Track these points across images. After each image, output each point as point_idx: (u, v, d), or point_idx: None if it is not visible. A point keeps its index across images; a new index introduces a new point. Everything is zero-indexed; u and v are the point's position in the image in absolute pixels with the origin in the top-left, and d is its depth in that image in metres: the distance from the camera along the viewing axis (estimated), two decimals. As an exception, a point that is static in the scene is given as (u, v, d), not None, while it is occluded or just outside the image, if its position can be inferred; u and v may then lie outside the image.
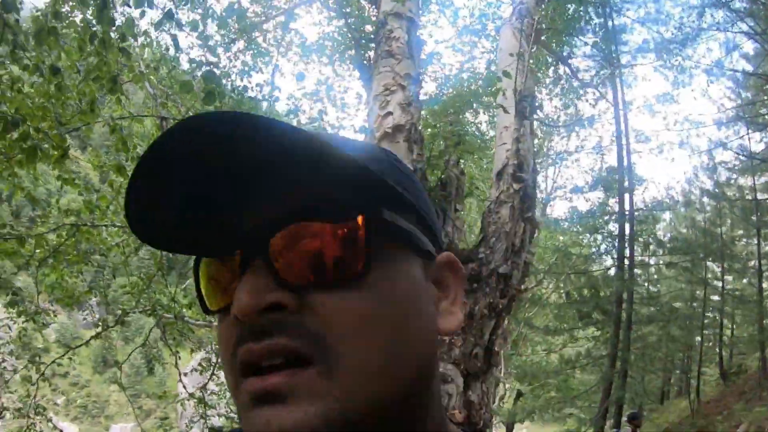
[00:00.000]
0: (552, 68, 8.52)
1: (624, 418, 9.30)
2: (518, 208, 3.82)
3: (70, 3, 2.95)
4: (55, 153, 3.22)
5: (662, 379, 19.79)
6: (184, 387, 8.21)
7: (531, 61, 5.49)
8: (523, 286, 3.69)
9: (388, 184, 0.53)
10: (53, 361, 7.51)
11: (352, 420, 0.49)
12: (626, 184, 12.79)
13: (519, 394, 14.87)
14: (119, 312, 7.31)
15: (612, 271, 13.60)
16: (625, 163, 13.12)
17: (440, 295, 0.60)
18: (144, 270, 8.32)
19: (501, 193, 3.94)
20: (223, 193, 0.53)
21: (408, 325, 0.54)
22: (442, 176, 4.70)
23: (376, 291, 0.52)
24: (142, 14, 3.18)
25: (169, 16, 2.91)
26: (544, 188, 17.50)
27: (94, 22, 2.74)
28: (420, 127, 4.48)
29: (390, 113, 4.28)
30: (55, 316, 8.33)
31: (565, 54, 7.41)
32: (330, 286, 0.51)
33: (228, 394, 8.37)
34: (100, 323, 7.39)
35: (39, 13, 2.75)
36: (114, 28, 2.70)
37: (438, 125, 5.65)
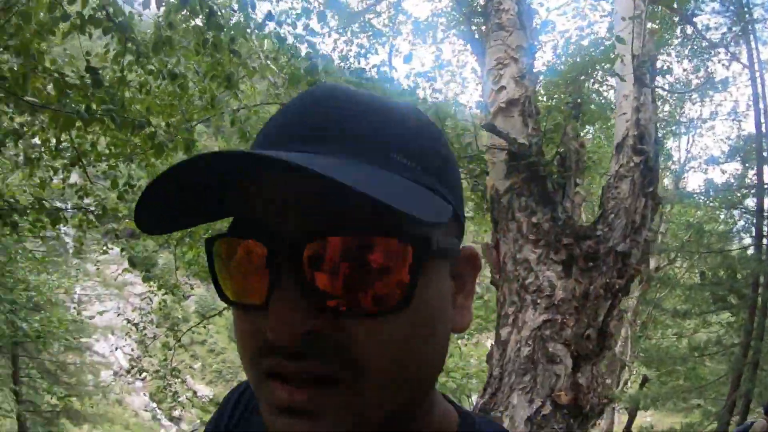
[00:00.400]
0: (679, 28, 7.88)
1: (760, 409, 8.54)
2: (639, 182, 3.58)
3: (182, 14, 3.11)
4: (182, 143, 3.48)
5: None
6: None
7: (650, 23, 5.11)
8: (643, 266, 3.47)
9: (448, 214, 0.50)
10: (190, 328, 8.14)
11: (377, 429, 0.51)
12: (765, 153, 11.64)
13: (645, 380, 14.19)
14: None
15: (750, 251, 12.50)
16: (764, 129, 11.92)
17: (457, 289, 0.58)
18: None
19: (620, 167, 3.72)
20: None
21: (436, 338, 0.54)
22: (560, 150, 4.52)
23: (413, 316, 0.50)
24: (252, 7, 3.33)
25: (269, 17, 3.05)
26: (677, 159, 16.31)
27: (205, 28, 2.91)
28: (534, 100, 4.34)
29: (503, 87, 4.17)
30: (192, 289, 8.97)
31: (689, 12, 6.78)
32: (368, 313, 0.49)
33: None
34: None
35: (158, 20, 2.94)
36: (223, 33, 2.85)
37: (555, 96, 5.43)
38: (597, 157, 7.45)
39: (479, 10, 5.47)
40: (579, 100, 4.86)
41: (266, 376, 0.50)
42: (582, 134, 5.46)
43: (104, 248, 7.88)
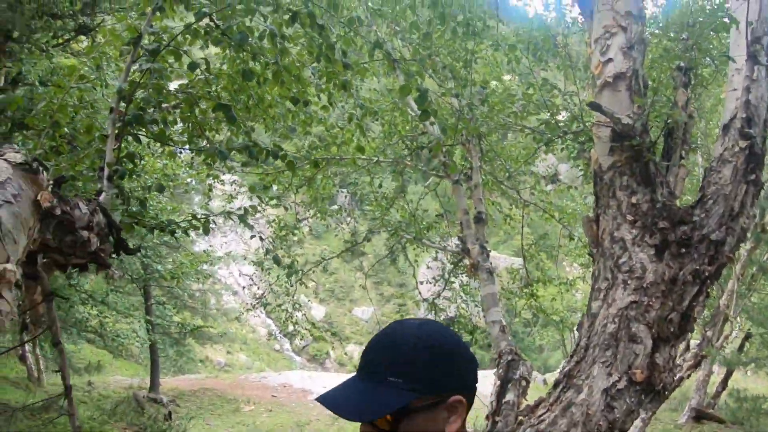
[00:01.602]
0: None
1: None
2: (742, 168, 3.58)
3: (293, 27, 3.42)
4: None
5: None
6: (419, 293, 9.42)
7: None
8: (735, 253, 3.54)
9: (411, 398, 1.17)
10: (311, 269, 8.83)
11: None
12: None
13: (747, 336, 13.67)
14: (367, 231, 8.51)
15: None
16: None
17: (449, 414, 1.19)
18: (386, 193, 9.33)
19: (725, 150, 3.70)
20: None
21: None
22: (669, 121, 4.49)
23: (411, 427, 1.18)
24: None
25: (378, 45, 3.33)
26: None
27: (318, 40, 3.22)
28: (643, 72, 4.28)
29: (610, 60, 4.09)
30: (307, 212, 9.69)
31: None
32: None
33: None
34: (352, 243, 8.67)
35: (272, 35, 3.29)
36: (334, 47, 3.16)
37: (665, 63, 5.27)
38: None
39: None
40: (689, 66, 4.71)
41: None
42: (693, 101, 5.31)
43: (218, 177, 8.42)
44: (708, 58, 5.34)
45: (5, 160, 1.85)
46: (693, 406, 14.10)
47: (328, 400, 1.17)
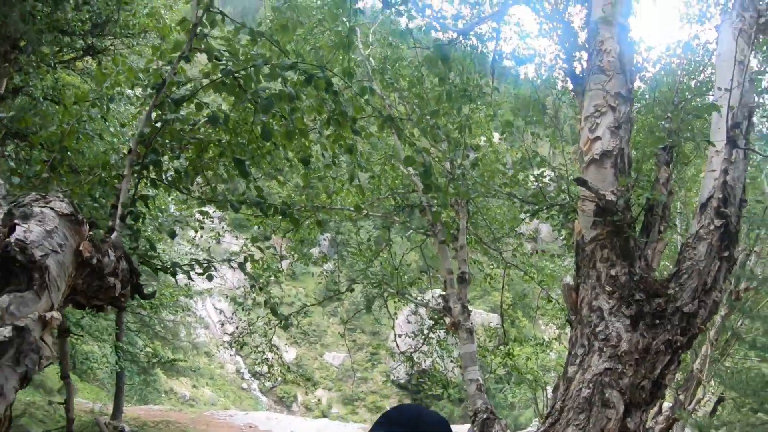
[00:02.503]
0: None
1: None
2: (716, 246, 3.82)
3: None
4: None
5: None
6: (397, 346, 9.51)
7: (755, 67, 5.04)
8: (707, 324, 3.75)
9: None
10: (291, 314, 8.92)
11: None
12: None
13: (720, 400, 13.80)
14: (349, 280, 8.67)
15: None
16: None
17: None
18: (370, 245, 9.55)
19: (701, 228, 3.94)
20: None
21: None
22: (650, 199, 4.74)
23: None
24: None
25: (389, 119, 3.61)
26: None
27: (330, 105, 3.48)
28: (629, 151, 4.52)
29: (599, 138, 4.32)
30: (290, 254, 9.84)
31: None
32: None
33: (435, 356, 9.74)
34: (334, 292, 8.82)
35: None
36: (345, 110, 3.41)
37: (652, 135, 5.56)
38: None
39: (584, 44, 5.62)
40: (671, 145, 4.97)
41: None
42: (673, 176, 5.59)
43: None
44: (690, 137, 5.64)
45: (52, 209, 1.99)
46: (665, 469, 14.08)
47: None
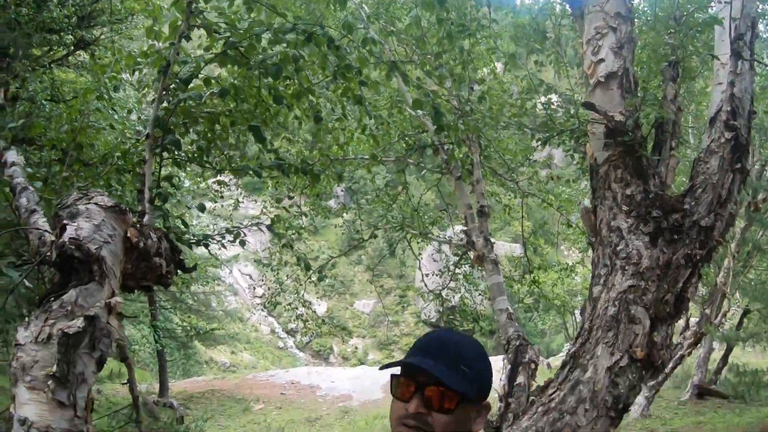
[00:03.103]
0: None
1: None
2: (728, 158, 3.88)
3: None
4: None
5: None
6: (425, 285, 9.69)
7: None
8: (726, 235, 3.84)
9: (474, 388, 1.44)
10: (319, 267, 9.11)
11: None
12: None
13: (745, 312, 14.00)
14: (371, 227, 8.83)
15: None
16: None
17: (476, 416, 1.49)
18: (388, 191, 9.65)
19: (712, 142, 4.00)
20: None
21: (462, 427, 1.44)
22: (658, 117, 4.77)
23: (456, 416, 1.42)
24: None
25: (396, 67, 3.63)
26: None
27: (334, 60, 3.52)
28: (633, 70, 4.52)
29: (602, 60, 4.31)
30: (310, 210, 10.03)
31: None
32: (440, 411, 1.40)
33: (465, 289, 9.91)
34: (357, 241, 8.99)
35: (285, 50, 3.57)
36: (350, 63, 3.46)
37: (656, 53, 5.52)
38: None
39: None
40: (676, 60, 4.96)
41: (401, 424, 1.41)
42: (681, 93, 5.58)
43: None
44: (695, 51, 5.60)
45: (96, 204, 2.12)
46: (695, 383, 14.42)
47: (442, 375, 1.41)
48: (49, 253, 1.99)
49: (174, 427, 11.89)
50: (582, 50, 4.77)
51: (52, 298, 1.93)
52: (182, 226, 3.41)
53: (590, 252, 4.43)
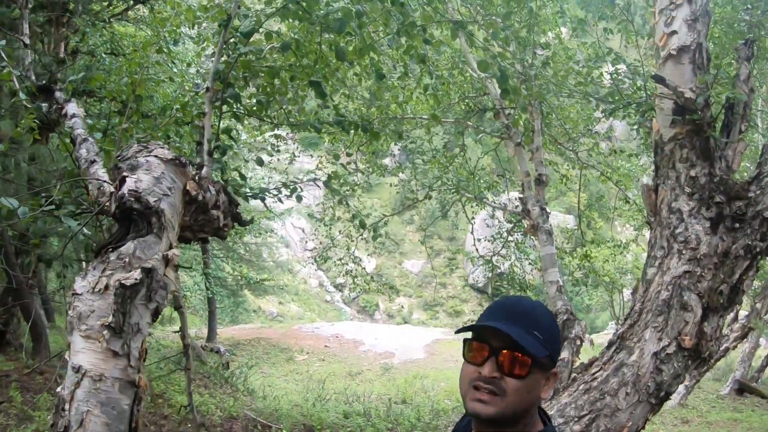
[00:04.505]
0: None
1: None
2: (802, 146, 3.69)
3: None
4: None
5: None
6: (477, 250, 9.68)
7: None
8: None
9: (546, 354, 1.46)
10: (373, 225, 9.21)
11: (506, 416, 1.43)
12: None
13: None
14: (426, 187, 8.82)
15: None
16: None
17: (545, 383, 1.51)
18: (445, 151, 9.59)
19: (787, 126, 3.80)
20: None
21: (532, 394, 1.47)
22: (731, 97, 4.53)
23: (527, 382, 1.45)
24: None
25: (461, 25, 3.50)
26: None
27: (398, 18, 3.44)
28: (707, 45, 4.30)
29: (675, 32, 4.11)
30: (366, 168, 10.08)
31: None
32: (512, 376, 1.43)
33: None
34: (412, 200, 9.02)
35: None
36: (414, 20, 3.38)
37: (732, 29, 5.23)
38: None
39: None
40: (753, 39, 4.67)
41: (470, 388, 1.44)
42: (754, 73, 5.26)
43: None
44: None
45: (156, 156, 2.17)
46: (737, 378, 14.01)
47: (521, 338, 1.43)
48: (108, 204, 2.05)
49: (220, 371, 12.33)
50: (654, 20, 4.56)
51: (110, 249, 1.99)
52: (240, 179, 3.46)
53: (645, 231, 4.31)
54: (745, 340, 12.89)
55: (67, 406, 1.94)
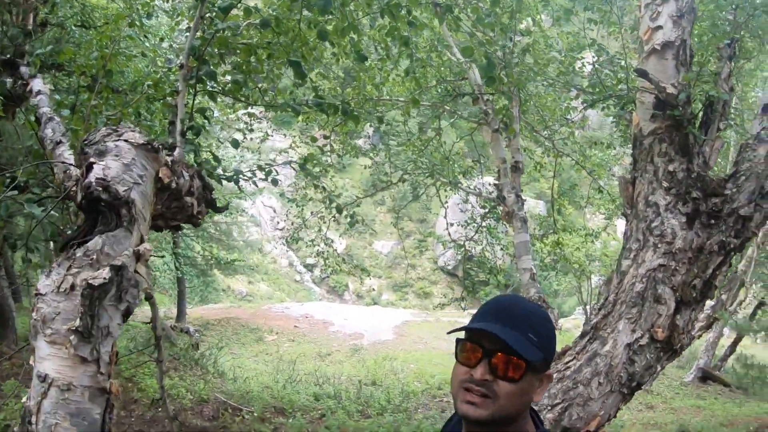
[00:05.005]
0: None
1: None
2: (778, 148, 3.70)
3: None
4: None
5: None
6: (449, 234, 9.66)
7: None
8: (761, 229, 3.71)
9: (540, 357, 1.43)
10: (348, 205, 9.14)
11: (497, 419, 1.39)
12: None
13: (760, 304, 13.84)
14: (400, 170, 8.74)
15: None
16: None
17: (538, 385, 1.47)
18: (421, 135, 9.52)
19: (763, 130, 3.81)
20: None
21: (525, 396, 1.43)
22: (712, 95, 4.54)
23: (520, 385, 1.41)
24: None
25: (449, 9, 3.41)
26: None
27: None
28: (690, 43, 4.30)
29: (660, 27, 4.12)
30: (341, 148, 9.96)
31: None
32: (505, 379, 1.40)
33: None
34: (385, 183, 8.91)
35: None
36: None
37: (716, 27, 5.24)
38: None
39: None
40: (736, 39, 4.70)
41: (461, 389, 1.41)
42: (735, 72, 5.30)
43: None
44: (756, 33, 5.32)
45: (126, 141, 2.01)
46: (700, 366, 14.42)
47: (512, 341, 1.40)
48: (74, 189, 1.91)
49: (189, 353, 12.19)
50: (639, 14, 4.55)
51: (76, 245, 1.84)
52: (214, 161, 3.36)
53: (616, 220, 4.33)
54: (709, 329, 13.20)
55: (34, 419, 1.81)
